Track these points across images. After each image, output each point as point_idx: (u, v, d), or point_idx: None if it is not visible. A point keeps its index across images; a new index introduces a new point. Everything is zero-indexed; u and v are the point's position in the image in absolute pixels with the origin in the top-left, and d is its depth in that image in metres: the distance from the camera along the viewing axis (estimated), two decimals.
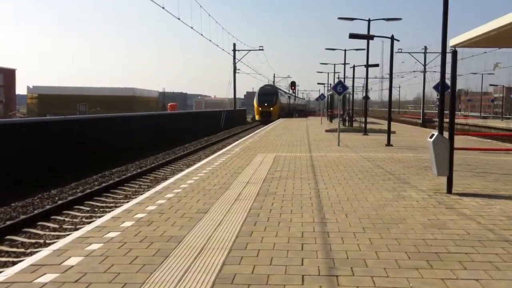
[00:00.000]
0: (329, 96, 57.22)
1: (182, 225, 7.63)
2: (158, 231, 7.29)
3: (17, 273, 5.51)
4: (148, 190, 13.18)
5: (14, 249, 10.27)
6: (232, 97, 74.15)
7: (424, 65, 70.89)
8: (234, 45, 69.86)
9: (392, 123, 25.38)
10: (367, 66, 33.74)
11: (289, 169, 14.28)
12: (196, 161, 24.20)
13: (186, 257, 6.07)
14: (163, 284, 5.17)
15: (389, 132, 23.83)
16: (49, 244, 10.27)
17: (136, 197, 13.73)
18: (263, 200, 9.66)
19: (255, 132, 33.32)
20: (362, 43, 71.63)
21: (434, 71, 79.57)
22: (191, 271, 5.57)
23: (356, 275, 5.50)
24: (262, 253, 6.26)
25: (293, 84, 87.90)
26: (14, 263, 8.92)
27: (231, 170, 13.98)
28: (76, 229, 11.39)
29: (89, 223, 11.74)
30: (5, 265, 9.17)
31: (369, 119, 35.39)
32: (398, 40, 25.51)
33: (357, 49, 49.23)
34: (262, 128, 38.57)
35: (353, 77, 45.90)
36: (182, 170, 20.20)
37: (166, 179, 18.49)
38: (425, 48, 70.82)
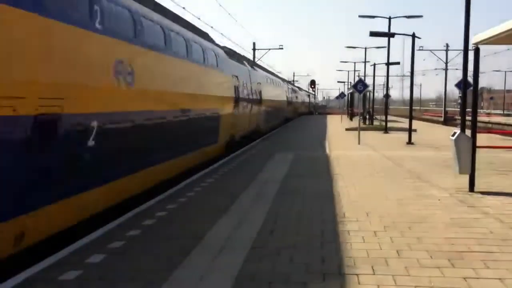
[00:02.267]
0: (349, 95, 56.93)
1: None
2: None
3: None
4: None
5: None
6: None
7: (446, 63, 70.13)
8: (254, 44, 70.02)
9: (413, 121, 25.16)
10: (388, 64, 33.51)
11: (308, 167, 14.26)
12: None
13: None
14: None
15: (410, 130, 23.63)
16: None
17: None
18: (283, 198, 9.67)
19: (275, 131, 33.31)
20: (383, 41, 71.21)
21: (456, 69, 78.43)
22: None
23: (377, 274, 5.49)
24: (283, 251, 6.27)
25: (312, 83, 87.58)
26: None
27: (250, 172, 14.02)
28: None
29: None
30: None
31: (389, 117, 35.15)
32: (420, 38, 25.30)
33: (377, 47, 48.96)
34: (281, 127, 38.52)
35: (374, 75, 45.61)
36: None
37: None
38: (447, 45, 70.03)
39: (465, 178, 10.91)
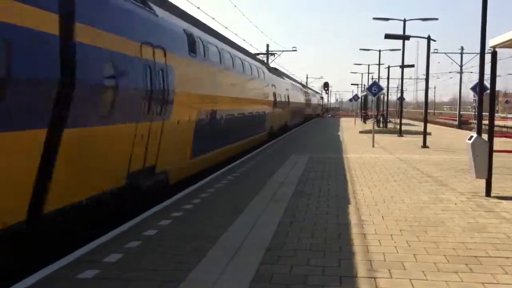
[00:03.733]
0: (362, 97, 56.73)
1: None
2: None
3: None
4: None
5: None
6: None
7: (461, 66, 69.64)
8: (268, 45, 70.03)
9: (427, 124, 25.00)
10: (402, 66, 33.35)
11: (323, 170, 14.23)
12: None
13: None
14: None
15: (425, 133, 23.49)
16: None
17: None
18: (298, 201, 9.66)
19: (287, 133, 33.29)
20: (397, 43, 70.84)
21: (471, 72, 77.85)
22: None
23: (394, 277, 5.46)
24: (299, 253, 6.27)
25: (326, 85, 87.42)
26: None
27: (264, 173, 14.03)
28: None
29: None
30: None
31: (404, 121, 34.89)
32: (435, 41, 25.13)
33: (392, 50, 48.75)
34: (294, 130, 38.50)
35: (388, 78, 45.39)
36: None
37: None
38: (462, 48, 69.55)
39: (482, 183, 10.82)
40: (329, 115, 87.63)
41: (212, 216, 8.33)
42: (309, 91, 64.65)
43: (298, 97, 45.04)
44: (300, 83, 60.27)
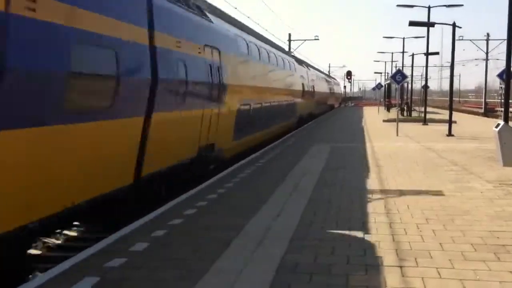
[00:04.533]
0: (386, 85, 56.16)
1: None
2: None
3: None
4: None
5: None
6: None
7: (487, 53, 68.37)
8: (290, 35, 69.68)
9: (452, 112, 24.65)
10: (427, 54, 32.87)
11: (346, 159, 14.16)
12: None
13: None
14: None
15: (450, 121, 23.17)
16: None
17: None
18: (322, 190, 9.64)
19: (309, 124, 33.17)
20: (421, 31, 69.81)
21: (497, 59, 76.33)
22: None
23: (421, 266, 5.42)
24: (323, 243, 6.26)
25: (349, 74, 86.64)
26: None
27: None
28: None
29: None
30: None
31: (428, 109, 34.52)
32: (460, 27, 24.69)
33: (416, 37, 48.10)
34: (314, 120, 38.35)
35: (412, 66, 44.84)
36: None
37: None
38: (488, 35, 68.25)
39: (509, 170, 10.65)
40: (352, 104, 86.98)
41: (235, 205, 8.36)
42: (333, 80, 65.58)
43: (323, 87, 46.15)
44: (323, 73, 61.01)
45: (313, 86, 35.77)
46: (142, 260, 5.62)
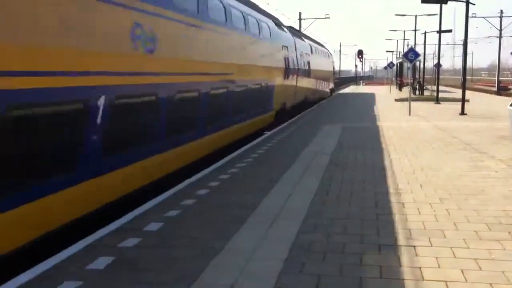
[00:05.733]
0: (398, 64, 55.63)
1: None
2: None
3: None
4: None
5: None
6: None
7: (500, 30, 67.37)
8: (300, 14, 69.12)
9: (465, 91, 24.39)
10: (440, 32, 32.47)
11: (358, 139, 14.10)
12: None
13: None
14: None
15: (463, 100, 22.94)
16: None
17: None
18: (334, 170, 9.61)
19: (318, 104, 32.98)
20: (434, 8, 68.78)
21: (511, 36, 75.24)
22: None
23: (434, 245, 5.40)
24: (336, 222, 6.25)
25: (360, 53, 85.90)
26: None
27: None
28: None
29: None
30: None
31: (440, 88, 34.19)
32: (474, 4, 24.28)
33: (428, 15, 47.46)
34: (321, 102, 38.13)
35: (424, 44, 44.34)
36: None
37: None
38: (501, 12, 67.19)
39: None
40: (363, 84, 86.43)
41: (249, 185, 8.37)
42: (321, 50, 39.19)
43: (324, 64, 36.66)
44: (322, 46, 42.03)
45: (308, 63, 28.02)
46: (156, 240, 5.65)
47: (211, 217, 6.50)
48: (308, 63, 27.85)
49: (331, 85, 42.40)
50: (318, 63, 32.77)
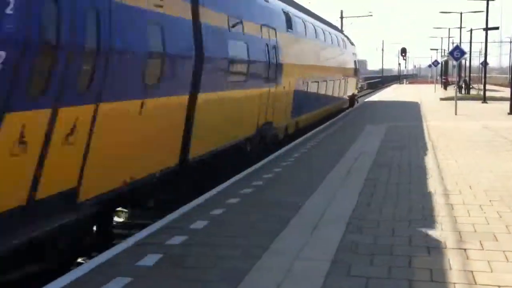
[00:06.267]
0: (443, 62, 54.46)
1: None
2: None
3: None
4: None
5: None
6: None
7: None
8: (342, 12, 68.43)
9: None
10: (487, 29, 31.58)
11: (403, 138, 13.86)
12: None
13: None
14: None
15: None
16: None
17: None
18: (379, 171, 9.48)
19: (363, 101, 32.60)
20: (480, 5, 67.06)
21: None
22: None
23: (486, 249, 5.25)
24: (383, 224, 6.16)
25: (403, 51, 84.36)
26: None
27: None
28: None
29: None
30: None
31: (487, 86, 33.26)
32: None
33: (474, 12, 46.23)
34: (366, 100, 37.68)
35: (470, 41, 43.28)
36: None
37: None
38: None
39: None
40: (407, 82, 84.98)
41: (292, 185, 8.35)
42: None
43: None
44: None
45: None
46: (202, 238, 5.69)
47: (256, 217, 6.50)
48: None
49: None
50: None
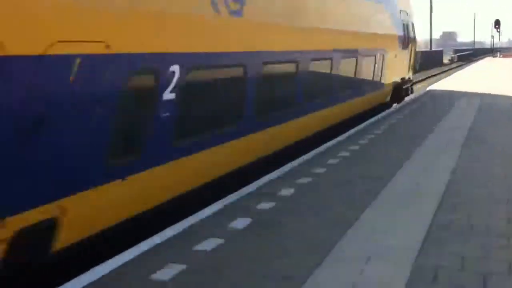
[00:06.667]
0: None
1: None
2: None
3: None
4: None
5: None
6: (428, 38, 70.18)
7: None
8: None
9: None
10: None
11: (497, 116, 13.17)
12: None
13: None
14: None
15: None
16: None
17: None
18: (472, 149, 9.08)
19: (454, 74, 31.22)
20: None
21: None
22: None
23: None
24: (477, 204, 5.91)
25: (497, 23, 79.73)
26: None
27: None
28: None
29: None
30: None
31: None
32: None
33: None
34: (460, 71, 36.01)
35: None
36: None
37: None
38: None
39: None
40: (500, 56, 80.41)
41: (381, 158, 8.20)
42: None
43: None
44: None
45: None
46: (289, 205, 5.73)
47: (343, 187, 6.45)
48: None
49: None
50: None
